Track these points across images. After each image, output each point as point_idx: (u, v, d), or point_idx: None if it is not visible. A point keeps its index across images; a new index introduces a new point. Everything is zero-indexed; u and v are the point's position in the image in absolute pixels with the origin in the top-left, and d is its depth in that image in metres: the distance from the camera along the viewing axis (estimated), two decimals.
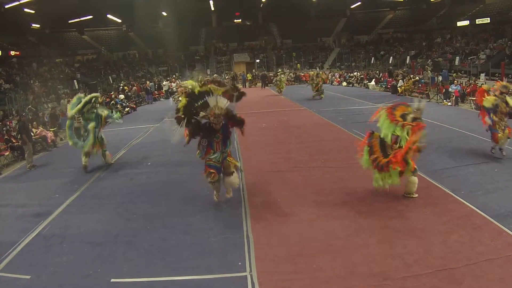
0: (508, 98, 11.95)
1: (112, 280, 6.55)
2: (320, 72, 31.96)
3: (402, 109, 9.48)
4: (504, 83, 12.95)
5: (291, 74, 46.31)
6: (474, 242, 6.99)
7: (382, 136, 9.22)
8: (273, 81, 39.92)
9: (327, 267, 6.54)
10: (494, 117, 11.87)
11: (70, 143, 13.71)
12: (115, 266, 6.96)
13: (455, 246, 6.90)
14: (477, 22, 43.64)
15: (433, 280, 5.98)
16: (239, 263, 6.82)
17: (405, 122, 8.93)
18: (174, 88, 37.69)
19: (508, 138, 11.77)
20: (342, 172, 11.41)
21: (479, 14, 44.87)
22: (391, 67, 39.97)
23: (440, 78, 28.60)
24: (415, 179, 9.12)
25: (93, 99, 13.78)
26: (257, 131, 17.63)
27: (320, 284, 6.14)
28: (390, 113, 9.33)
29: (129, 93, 34.32)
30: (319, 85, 29.23)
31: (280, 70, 42.89)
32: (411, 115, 9.15)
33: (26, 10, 39.88)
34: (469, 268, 6.21)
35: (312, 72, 31.07)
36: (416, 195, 9.18)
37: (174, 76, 46.53)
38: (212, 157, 8.90)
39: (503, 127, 11.80)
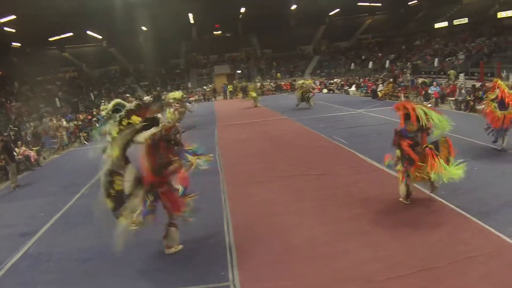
0: None
1: None
2: (309, 81, 31.78)
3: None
4: None
5: (259, 84, 45.60)
6: (455, 241, 7.16)
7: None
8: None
9: (310, 273, 6.65)
10: None
11: None
12: (102, 282, 7.09)
13: (436, 245, 7.05)
14: (454, 23, 44.21)
15: (416, 281, 6.11)
16: (222, 273, 6.92)
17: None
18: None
19: None
20: (323, 179, 11.56)
21: (456, 15, 45.59)
22: (379, 74, 40.22)
23: (419, 80, 29.12)
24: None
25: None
26: (238, 142, 17.83)
27: None
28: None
29: None
30: (307, 94, 29.05)
31: (248, 81, 43.14)
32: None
33: (6, 29, 39.78)
34: (451, 267, 6.35)
35: (301, 81, 31.00)
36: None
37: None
38: None
39: None
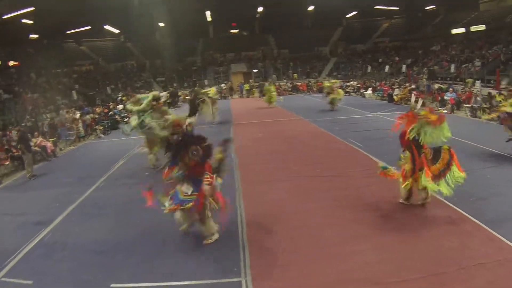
0: None
1: (112, 285, 6.74)
2: (336, 81, 30.66)
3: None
4: None
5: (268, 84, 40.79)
6: (465, 247, 7.15)
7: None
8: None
9: (319, 273, 6.69)
10: None
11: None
12: (115, 272, 7.15)
13: (446, 251, 7.05)
14: (471, 30, 43.86)
15: (423, 285, 6.13)
16: (235, 269, 7.00)
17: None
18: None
19: None
20: (336, 180, 11.57)
21: (474, 21, 45.07)
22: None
23: (436, 86, 28.91)
24: None
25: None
26: (253, 141, 17.84)
27: None
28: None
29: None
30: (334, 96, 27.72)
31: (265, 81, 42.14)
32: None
33: (23, 21, 40.07)
34: (459, 273, 6.36)
35: (328, 83, 29.49)
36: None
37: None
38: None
39: None
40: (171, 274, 6.98)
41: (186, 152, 7.68)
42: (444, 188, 8.65)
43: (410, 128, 8.79)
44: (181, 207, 7.72)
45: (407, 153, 9.14)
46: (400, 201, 9.42)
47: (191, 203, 7.66)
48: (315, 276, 6.64)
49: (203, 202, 7.81)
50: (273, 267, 7.02)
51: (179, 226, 8.35)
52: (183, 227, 8.38)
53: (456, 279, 6.24)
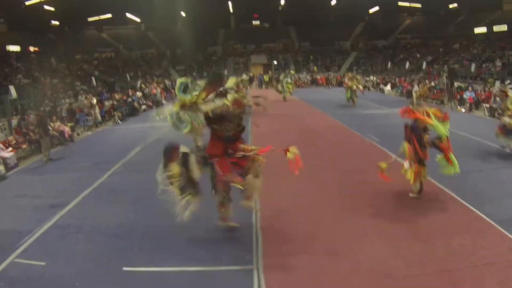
0: None
1: (124, 268, 6.75)
2: (357, 77, 29.87)
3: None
4: None
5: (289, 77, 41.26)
6: (476, 246, 7.07)
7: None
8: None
9: (331, 265, 6.68)
10: None
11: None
12: (128, 256, 7.16)
13: (457, 249, 6.98)
14: (494, 30, 43.32)
15: (433, 281, 6.09)
16: (247, 257, 6.98)
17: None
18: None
19: None
20: (352, 175, 11.47)
21: (496, 21, 44.69)
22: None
23: (455, 84, 28.57)
24: None
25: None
26: (271, 132, 17.74)
27: (324, 280, 6.28)
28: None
29: (146, 91, 34.51)
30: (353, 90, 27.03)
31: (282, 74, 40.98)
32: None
33: (46, 7, 40.39)
34: (469, 271, 6.31)
35: (350, 75, 28.89)
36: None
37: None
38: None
39: None
40: (185, 260, 6.97)
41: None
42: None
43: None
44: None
45: (405, 144, 9.31)
46: (411, 195, 9.44)
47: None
48: (327, 268, 6.62)
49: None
50: (285, 258, 6.99)
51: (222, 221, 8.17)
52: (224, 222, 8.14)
53: (466, 276, 6.18)
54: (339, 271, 6.49)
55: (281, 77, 34.30)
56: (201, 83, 7.38)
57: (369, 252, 7.01)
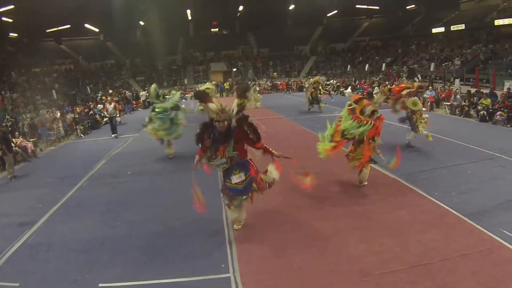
0: None
1: (100, 285, 6.74)
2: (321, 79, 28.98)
3: (362, 104, 10.06)
4: None
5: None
6: (448, 239, 7.39)
7: (343, 128, 10.26)
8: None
9: (308, 266, 6.84)
10: None
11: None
12: (102, 272, 7.15)
13: (430, 243, 7.27)
14: (452, 29, 44.39)
15: (409, 275, 6.32)
16: (223, 265, 7.07)
17: (364, 119, 9.87)
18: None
19: None
20: (319, 177, 11.65)
21: (454, 20, 45.73)
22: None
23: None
24: (367, 170, 10.41)
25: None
26: None
27: (302, 282, 6.43)
28: (351, 110, 10.20)
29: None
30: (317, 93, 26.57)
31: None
32: (370, 108, 9.85)
33: (3, 19, 39.65)
34: (443, 263, 6.58)
35: (312, 79, 27.98)
36: (366, 183, 10.48)
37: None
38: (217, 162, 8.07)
39: None
40: (160, 272, 7.02)
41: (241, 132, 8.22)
42: None
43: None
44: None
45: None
46: (364, 183, 10.56)
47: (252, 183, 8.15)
48: (304, 269, 6.78)
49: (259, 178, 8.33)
50: (261, 261, 7.14)
51: (234, 224, 8.57)
52: (237, 224, 8.54)
53: (441, 269, 6.43)
54: (317, 272, 6.67)
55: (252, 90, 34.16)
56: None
57: (344, 251, 7.27)
